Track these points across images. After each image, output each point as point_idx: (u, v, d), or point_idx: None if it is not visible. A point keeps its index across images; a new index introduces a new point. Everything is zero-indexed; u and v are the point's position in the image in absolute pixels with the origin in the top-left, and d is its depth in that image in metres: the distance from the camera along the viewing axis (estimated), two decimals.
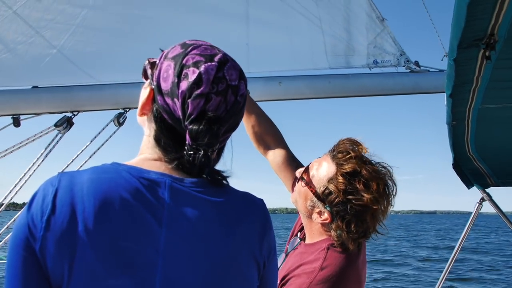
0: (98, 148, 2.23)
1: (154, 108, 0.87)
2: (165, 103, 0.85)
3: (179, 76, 0.83)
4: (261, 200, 0.92)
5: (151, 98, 0.88)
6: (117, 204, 0.75)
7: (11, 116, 2.12)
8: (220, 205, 0.84)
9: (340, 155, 1.32)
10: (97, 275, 0.71)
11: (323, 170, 1.35)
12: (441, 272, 3.03)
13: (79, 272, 0.71)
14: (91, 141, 2.21)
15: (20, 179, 2.11)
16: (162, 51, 0.90)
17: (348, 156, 1.31)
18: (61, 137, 2.21)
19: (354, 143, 1.35)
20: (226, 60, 0.86)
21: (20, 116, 2.15)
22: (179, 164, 0.84)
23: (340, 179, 1.28)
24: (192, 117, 0.82)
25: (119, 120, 2.28)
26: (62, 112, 2.22)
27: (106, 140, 2.24)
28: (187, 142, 0.83)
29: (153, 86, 0.87)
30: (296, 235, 1.58)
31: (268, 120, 1.86)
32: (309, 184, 1.37)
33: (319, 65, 2.82)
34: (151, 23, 2.65)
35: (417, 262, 19.49)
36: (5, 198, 2.02)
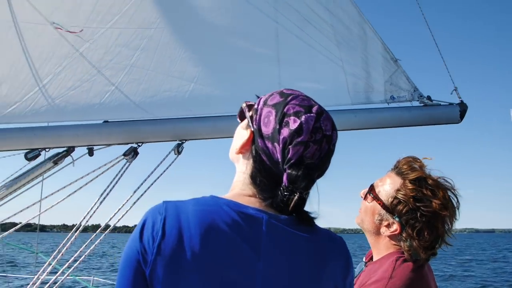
0: (161, 174, 3.00)
1: (253, 149, 1.16)
2: (265, 146, 1.12)
3: (281, 123, 1.10)
4: (341, 238, 1.16)
5: (251, 140, 1.17)
6: (219, 235, 0.99)
7: (86, 147, 2.94)
8: (310, 242, 1.08)
9: (405, 166, 1.71)
10: None
11: (389, 184, 1.71)
12: None
13: None
14: (155, 168, 3.03)
15: (95, 203, 2.90)
16: (258, 97, 1.23)
17: (413, 166, 1.70)
18: (128, 165, 3.03)
19: (414, 158, 1.74)
20: (322, 112, 1.14)
21: (94, 147, 2.96)
22: (273, 203, 1.09)
23: (409, 186, 1.63)
24: (291, 162, 1.07)
25: (178, 149, 3.18)
26: (128, 143, 3.01)
27: (168, 167, 3.02)
28: (283, 184, 1.08)
29: (252, 129, 1.17)
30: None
31: None
32: (376, 198, 1.71)
33: (342, 101, 3.91)
34: (191, 64, 3.64)
35: None
36: (82, 220, 2.78)
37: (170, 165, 3.03)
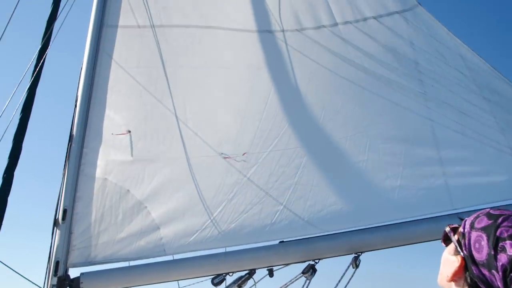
0: None
1: (468, 277, 1.14)
2: (481, 273, 1.10)
3: (495, 248, 1.07)
4: None
5: (463, 266, 1.16)
6: None
7: (266, 268, 3.16)
8: None
9: None
10: None
11: None
12: None
13: None
14: (336, 284, 3.18)
15: None
16: (461, 219, 1.28)
17: None
18: (308, 283, 3.22)
19: None
20: None
21: (273, 267, 3.20)
22: None
23: None
24: None
25: (356, 262, 3.29)
26: (306, 261, 3.18)
27: (348, 282, 3.21)
28: None
29: (463, 255, 1.17)
30: None
31: None
32: None
33: None
34: (352, 174, 3.85)
35: None
36: None
37: (350, 279, 3.10)
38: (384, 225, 3.26)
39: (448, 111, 3.83)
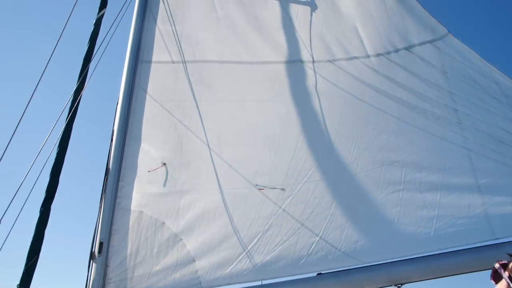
0: None
1: None
2: None
3: None
4: None
5: None
6: None
7: None
8: None
9: None
10: None
11: None
12: None
13: None
14: None
15: None
16: (510, 255, 1.34)
17: None
18: None
19: None
20: None
21: None
22: None
23: None
24: None
25: None
26: None
27: None
28: None
29: None
30: None
31: None
32: None
33: None
34: (390, 205, 3.86)
35: None
36: None
37: None
38: (424, 256, 3.26)
39: (485, 140, 3.85)
